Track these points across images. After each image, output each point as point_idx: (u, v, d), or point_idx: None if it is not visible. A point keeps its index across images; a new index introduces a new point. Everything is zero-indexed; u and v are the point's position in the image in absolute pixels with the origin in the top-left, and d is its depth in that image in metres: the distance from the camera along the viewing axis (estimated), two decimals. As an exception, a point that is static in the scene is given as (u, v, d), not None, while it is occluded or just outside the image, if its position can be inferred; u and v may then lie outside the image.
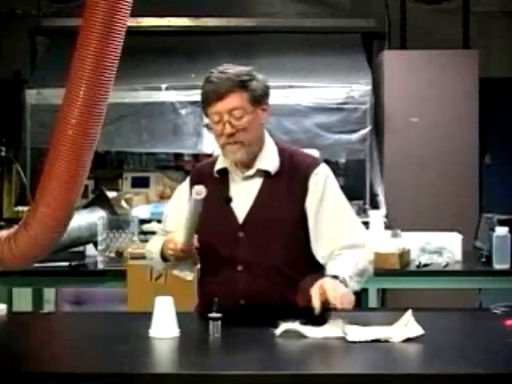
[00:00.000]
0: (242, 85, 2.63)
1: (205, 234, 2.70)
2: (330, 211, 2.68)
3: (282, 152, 2.75)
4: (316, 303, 2.39)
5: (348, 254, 2.62)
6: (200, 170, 2.87)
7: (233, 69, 2.64)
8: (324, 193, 2.69)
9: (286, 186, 2.69)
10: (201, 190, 2.50)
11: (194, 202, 2.53)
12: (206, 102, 2.65)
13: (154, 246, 2.80)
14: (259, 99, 2.66)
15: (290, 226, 2.68)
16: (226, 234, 2.69)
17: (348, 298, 2.41)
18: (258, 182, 2.72)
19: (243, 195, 2.72)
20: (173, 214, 2.85)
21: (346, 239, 2.65)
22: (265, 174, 2.72)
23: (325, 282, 2.43)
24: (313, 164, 2.73)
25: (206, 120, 2.72)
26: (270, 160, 2.72)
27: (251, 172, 2.72)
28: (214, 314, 2.41)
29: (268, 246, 2.65)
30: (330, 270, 2.53)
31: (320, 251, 2.67)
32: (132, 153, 6.30)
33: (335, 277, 2.47)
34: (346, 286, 2.46)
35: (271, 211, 2.68)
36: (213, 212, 2.72)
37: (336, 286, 2.42)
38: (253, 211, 2.69)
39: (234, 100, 2.61)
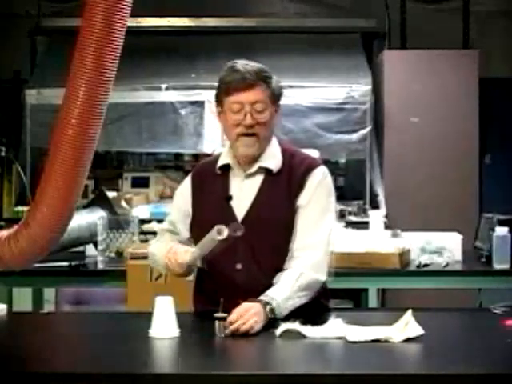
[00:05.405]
0: (265, 80, 2.68)
1: (204, 232, 2.71)
2: (310, 212, 2.70)
3: (284, 152, 2.77)
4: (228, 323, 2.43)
5: (293, 267, 2.64)
6: (202, 167, 2.88)
7: (255, 64, 2.69)
8: (315, 193, 2.71)
9: (285, 185, 2.71)
10: (222, 231, 2.48)
11: (211, 240, 2.52)
12: (228, 91, 2.67)
13: (159, 250, 2.79)
14: (276, 98, 2.73)
15: (288, 224, 2.69)
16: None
17: (244, 330, 2.42)
18: (258, 180, 2.74)
19: (243, 193, 2.73)
20: (179, 216, 2.84)
21: (306, 238, 2.68)
22: (266, 172, 2.73)
23: (238, 308, 2.46)
24: (312, 165, 2.76)
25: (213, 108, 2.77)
26: (272, 158, 2.74)
27: (253, 169, 2.73)
28: (219, 314, 2.42)
29: (267, 245, 2.65)
30: (269, 291, 2.56)
31: (292, 243, 2.70)
32: (132, 153, 6.30)
33: (265, 304, 2.50)
34: (273, 313, 2.50)
35: (271, 210, 2.69)
36: (212, 210, 2.73)
37: (241, 314, 2.43)
38: (252, 210, 2.70)
39: (258, 93, 2.66)
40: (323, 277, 2.69)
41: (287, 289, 2.59)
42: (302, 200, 2.70)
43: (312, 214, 2.70)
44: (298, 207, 2.70)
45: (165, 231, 2.90)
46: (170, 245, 2.72)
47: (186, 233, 2.83)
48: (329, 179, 2.77)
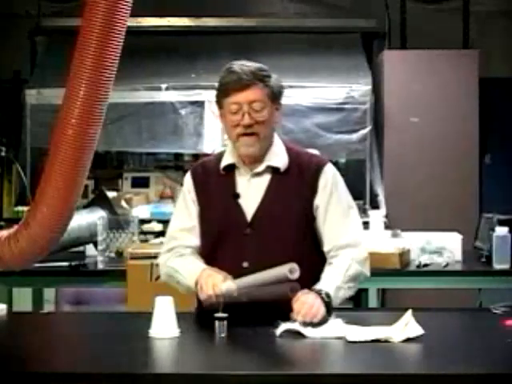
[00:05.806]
0: (262, 79, 2.69)
1: (211, 230, 2.71)
2: (335, 211, 2.73)
3: (289, 151, 2.79)
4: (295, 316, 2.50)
5: (340, 259, 2.69)
6: (204, 166, 2.86)
7: (252, 64, 2.70)
8: (332, 191, 2.73)
9: (294, 184, 2.72)
10: (295, 269, 2.48)
11: (280, 275, 2.50)
12: (226, 92, 2.68)
13: (185, 269, 2.71)
14: (276, 96, 2.74)
15: (297, 223, 2.70)
16: (233, 231, 2.69)
17: (313, 314, 2.49)
18: (266, 179, 2.74)
19: (251, 192, 2.73)
20: (187, 221, 2.81)
21: (341, 239, 2.71)
22: (273, 170, 2.74)
23: (298, 298, 2.53)
24: (321, 163, 2.78)
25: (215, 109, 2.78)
26: (279, 157, 2.75)
27: (260, 168, 2.74)
28: (220, 314, 2.41)
29: (275, 243, 2.66)
30: (318, 284, 2.62)
31: (324, 247, 2.73)
32: (132, 153, 6.30)
33: (318, 291, 2.56)
34: (329, 298, 2.56)
35: (280, 208, 2.70)
36: (220, 208, 2.73)
37: (303, 302, 2.51)
38: (261, 208, 2.71)
39: (255, 92, 2.67)
40: (368, 272, 2.75)
41: (338, 278, 2.64)
42: (321, 200, 2.71)
43: (338, 213, 2.73)
44: (318, 207, 2.71)
45: (176, 240, 2.81)
46: (201, 265, 2.67)
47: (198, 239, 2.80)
48: (338, 174, 2.80)
